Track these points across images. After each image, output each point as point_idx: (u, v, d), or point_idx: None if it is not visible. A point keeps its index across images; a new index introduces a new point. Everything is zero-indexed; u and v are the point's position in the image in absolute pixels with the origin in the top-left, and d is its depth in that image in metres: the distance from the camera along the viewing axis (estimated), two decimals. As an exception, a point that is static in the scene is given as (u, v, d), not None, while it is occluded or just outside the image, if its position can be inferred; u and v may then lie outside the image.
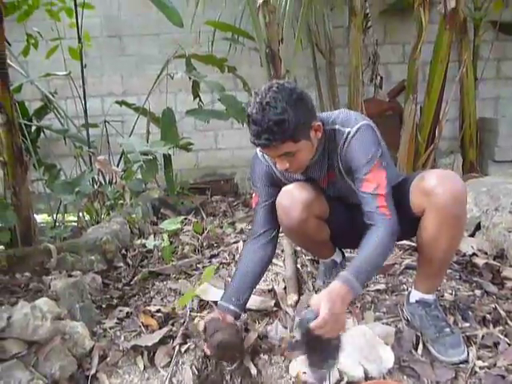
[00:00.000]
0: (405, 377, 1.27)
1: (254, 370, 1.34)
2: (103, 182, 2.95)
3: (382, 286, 1.73)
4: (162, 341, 1.43)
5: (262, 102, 1.20)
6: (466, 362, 1.31)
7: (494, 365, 1.28)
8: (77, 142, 3.22)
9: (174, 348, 1.41)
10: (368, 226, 1.27)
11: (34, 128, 3.52)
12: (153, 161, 2.65)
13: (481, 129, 3.87)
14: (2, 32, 1.94)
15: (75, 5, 2.94)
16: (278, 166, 1.34)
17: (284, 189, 1.45)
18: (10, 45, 2.74)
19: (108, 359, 1.38)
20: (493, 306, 1.55)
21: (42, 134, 3.55)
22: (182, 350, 1.41)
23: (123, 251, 2.22)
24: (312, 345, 1.12)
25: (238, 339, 1.34)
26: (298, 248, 2.08)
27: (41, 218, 2.88)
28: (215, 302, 1.55)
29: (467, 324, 1.47)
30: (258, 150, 1.47)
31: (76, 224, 2.74)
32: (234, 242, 2.38)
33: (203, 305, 1.69)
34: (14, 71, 2.92)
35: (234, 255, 2.19)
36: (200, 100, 3.45)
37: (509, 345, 1.36)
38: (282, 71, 2.92)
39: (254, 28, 2.96)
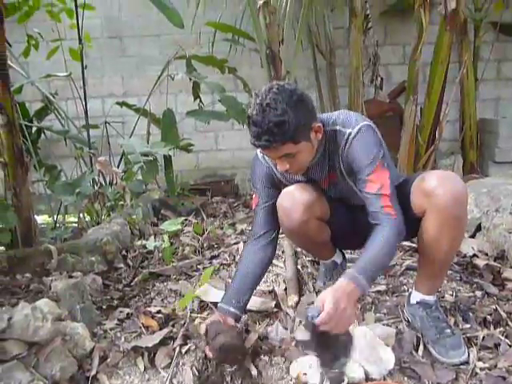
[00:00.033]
0: (405, 378, 1.27)
1: (254, 371, 1.33)
2: (104, 183, 2.95)
3: (382, 287, 1.73)
4: (163, 342, 1.43)
5: (262, 103, 1.19)
6: (466, 363, 1.31)
7: (495, 366, 1.28)
8: (77, 143, 3.23)
9: (174, 349, 1.41)
10: (373, 226, 1.26)
11: (34, 129, 3.52)
12: (153, 162, 2.65)
13: (481, 130, 3.87)
14: (2, 33, 1.95)
15: (76, 6, 2.95)
16: (278, 168, 1.34)
17: (285, 190, 1.45)
18: (10, 46, 2.75)
19: (108, 360, 1.38)
20: (493, 307, 1.55)
21: (42, 134, 3.57)
22: (183, 351, 1.41)
23: (124, 252, 2.22)
24: (321, 342, 1.11)
25: (240, 341, 1.34)
26: (299, 249, 2.08)
27: (41, 219, 2.88)
28: (215, 303, 1.55)
29: (468, 325, 1.47)
30: (258, 151, 1.47)
31: (76, 225, 2.74)
32: (235, 243, 2.38)
33: (203, 306, 1.68)
34: (14, 72, 2.94)
35: (234, 256, 2.19)
36: (200, 101, 3.46)
37: (509, 346, 1.36)
38: (282, 72, 2.92)
39: (255, 29, 2.96)
